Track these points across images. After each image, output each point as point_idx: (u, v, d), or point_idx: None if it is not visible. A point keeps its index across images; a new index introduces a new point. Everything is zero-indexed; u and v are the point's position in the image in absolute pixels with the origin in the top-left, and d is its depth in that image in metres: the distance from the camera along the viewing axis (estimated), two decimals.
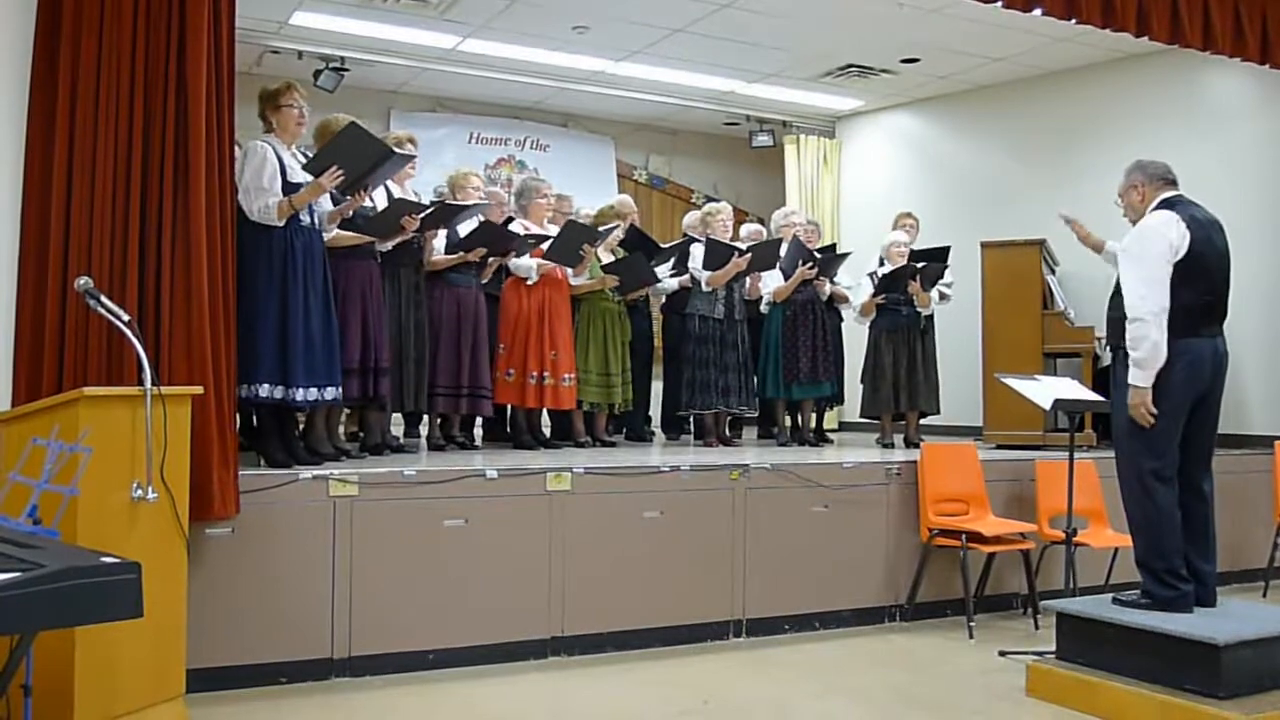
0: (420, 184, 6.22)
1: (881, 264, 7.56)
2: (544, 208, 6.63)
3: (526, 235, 6.23)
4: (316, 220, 4.92)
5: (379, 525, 4.60)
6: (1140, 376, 4.38)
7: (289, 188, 4.73)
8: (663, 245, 7.48)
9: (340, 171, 4.74)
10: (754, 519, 5.47)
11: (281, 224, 4.69)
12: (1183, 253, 4.37)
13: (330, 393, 4.84)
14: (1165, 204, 4.52)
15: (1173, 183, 4.63)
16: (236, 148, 4.91)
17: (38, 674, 2.92)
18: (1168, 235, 4.38)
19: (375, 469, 4.78)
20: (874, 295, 7.42)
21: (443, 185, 6.60)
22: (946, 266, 7.50)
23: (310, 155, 5.07)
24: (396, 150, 5.08)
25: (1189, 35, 6.41)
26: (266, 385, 4.64)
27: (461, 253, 5.97)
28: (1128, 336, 4.41)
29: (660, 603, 5.20)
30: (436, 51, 8.80)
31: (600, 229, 6.75)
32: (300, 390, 4.70)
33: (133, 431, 3.46)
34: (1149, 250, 4.39)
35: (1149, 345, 4.33)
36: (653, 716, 4.26)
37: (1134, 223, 4.61)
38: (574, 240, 6.37)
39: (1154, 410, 4.38)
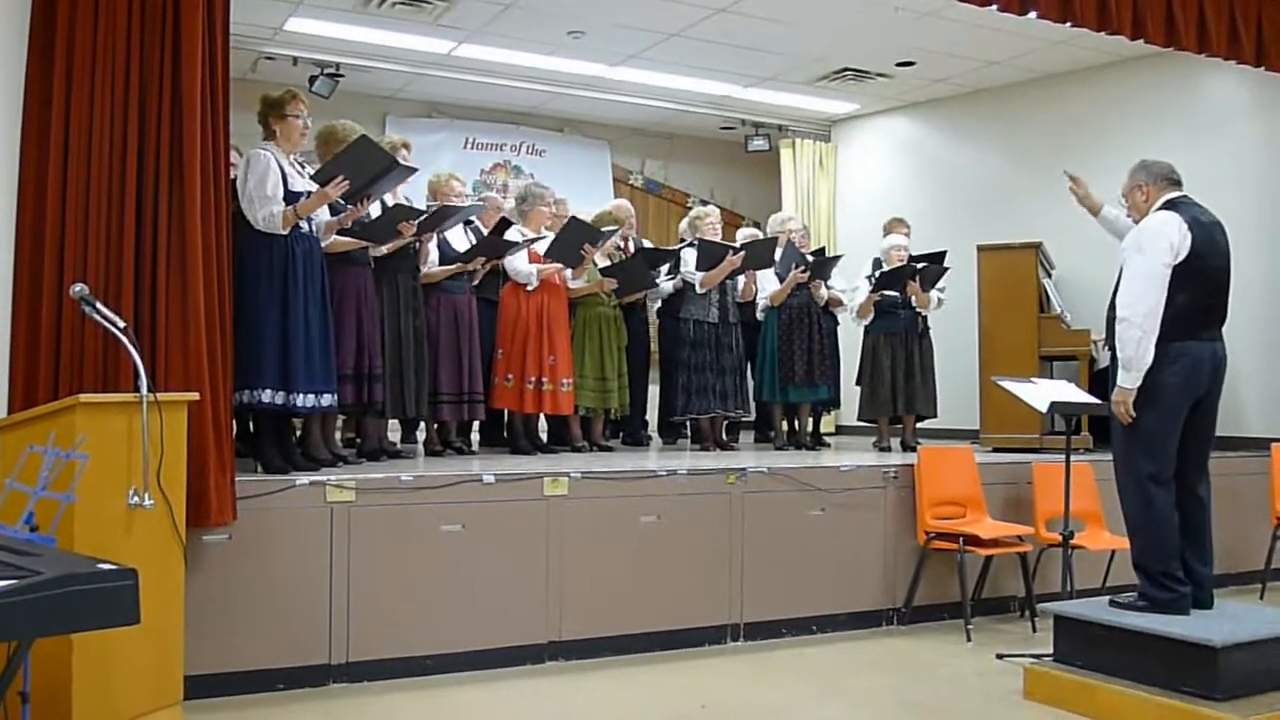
0: (414, 189, 6.23)
1: (879, 267, 7.58)
2: (545, 215, 6.63)
3: (522, 241, 6.24)
4: (315, 228, 4.94)
5: (376, 531, 4.60)
6: (1127, 378, 4.38)
7: (290, 196, 4.75)
8: (666, 249, 7.50)
9: (346, 181, 4.77)
10: (751, 523, 5.47)
11: (286, 232, 4.71)
12: (1183, 254, 4.36)
13: (327, 399, 4.86)
14: (1169, 205, 4.51)
15: (1177, 183, 4.62)
16: (235, 153, 4.94)
17: (35, 681, 2.92)
18: (1169, 237, 4.37)
19: (372, 474, 4.78)
20: (872, 292, 7.44)
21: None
22: (946, 268, 7.50)
23: (306, 162, 5.10)
24: (403, 163, 5.10)
25: (1184, 38, 6.42)
26: (269, 391, 4.65)
27: (461, 264, 5.99)
28: (1115, 336, 4.41)
29: (658, 607, 5.20)
30: (432, 57, 8.80)
31: (602, 230, 6.75)
32: (301, 396, 4.72)
33: (129, 438, 3.46)
34: (1148, 251, 4.39)
35: (1134, 346, 4.33)
36: None
37: (1138, 223, 4.61)
38: (575, 239, 6.38)
39: (1133, 413, 4.39)
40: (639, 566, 5.17)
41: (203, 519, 4.03)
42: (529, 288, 6.32)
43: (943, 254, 7.57)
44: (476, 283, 6.26)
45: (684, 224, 8.10)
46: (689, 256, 7.11)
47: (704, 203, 10.30)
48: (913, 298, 7.38)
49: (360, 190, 4.91)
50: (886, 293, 7.43)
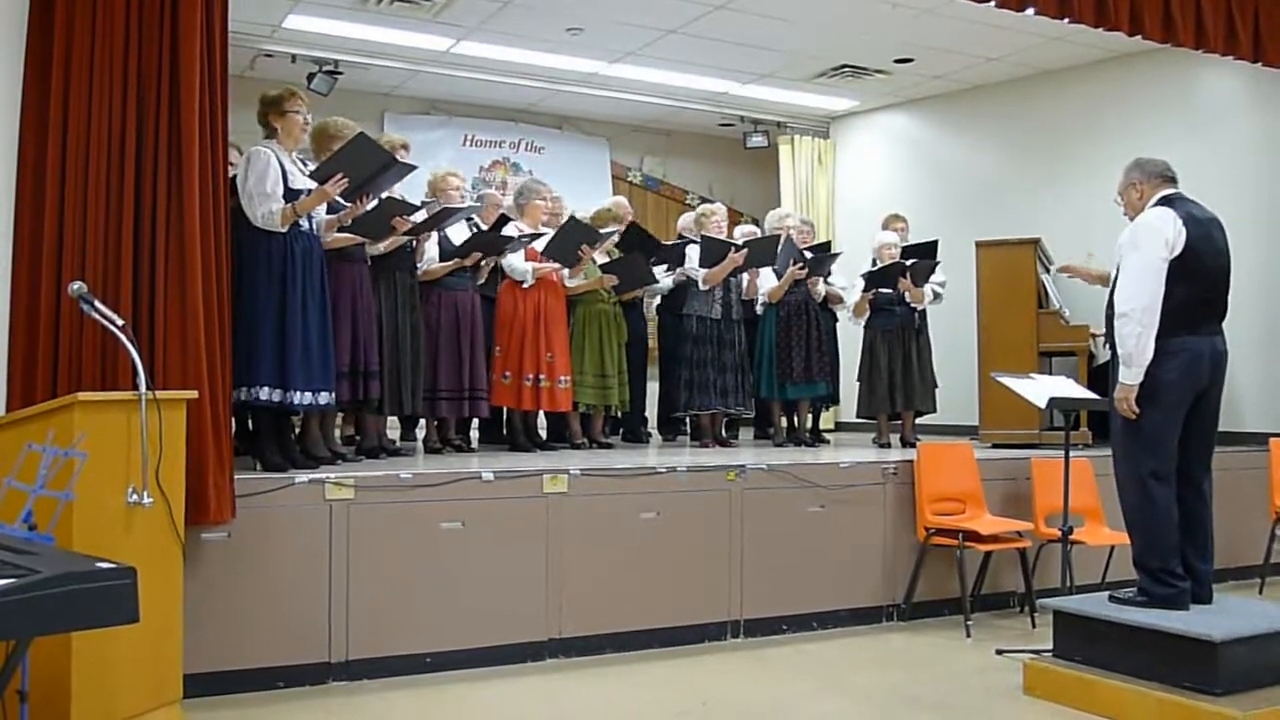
0: (413, 187, 6.22)
1: (874, 265, 7.57)
2: (541, 210, 6.62)
3: (520, 237, 6.24)
4: (314, 226, 4.94)
5: (375, 529, 4.60)
6: (1128, 374, 4.38)
7: (290, 194, 4.76)
8: (663, 243, 7.50)
9: (345, 179, 4.77)
10: (751, 520, 5.47)
11: (284, 230, 4.71)
12: (1178, 250, 4.36)
13: (325, 397, 4.86)
14: (1163, 201, 4.52)
15: (1172, 180, 4.62)
16: (235, 152, 4.94)
17: (34, 680, 2.92)
18: (1163, 232, 4.37)
19: (371, 472, 4.78)
20: (864, 293, 7.44)
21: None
22: (937, 262, 7.50)
23: (306, 160, 5.10)
24: (401, 160, 5.10)
25: (1181, 34, 6.42)
26: (266, 388, 4.66)
27: (458, 259, 5.99)
28: (1115, 332, 4.42)
29: (658, 604, 5.20)
30: (430, 54, 8.79)
31: (601, 231, 6.74)
32: (298, 394, 4.72)
33: (128, 436, 3.46)
34: (1143, 247, 4.39)
35: (1133, 341, 4.33)
36: (651, 718, 4.27)
37: (1133, 220, 4.61)
38: (574, 238, 6.37)
39: (1136, 409, 4.39)
40: (639, 563, 5.17)
41: (201, 517, 4.03)
42: (525, 285, 6.32)
43: (934, 244, 7.56)
44: (482, 281, 6.27)
45: (685, 220, 8.11)
46: (693, 254, 7.10)
47: (704, 200, 10.30)
48: (906, 294, 7.37)
49: (359, 188, 4.92)
50: (880, 290, 7.43)
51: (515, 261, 6.30)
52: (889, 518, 5.88)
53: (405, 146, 5.88)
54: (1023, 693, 4.54)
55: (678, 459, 5.78)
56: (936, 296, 7.59)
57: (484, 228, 6.40)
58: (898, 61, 8.92)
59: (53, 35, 3.97)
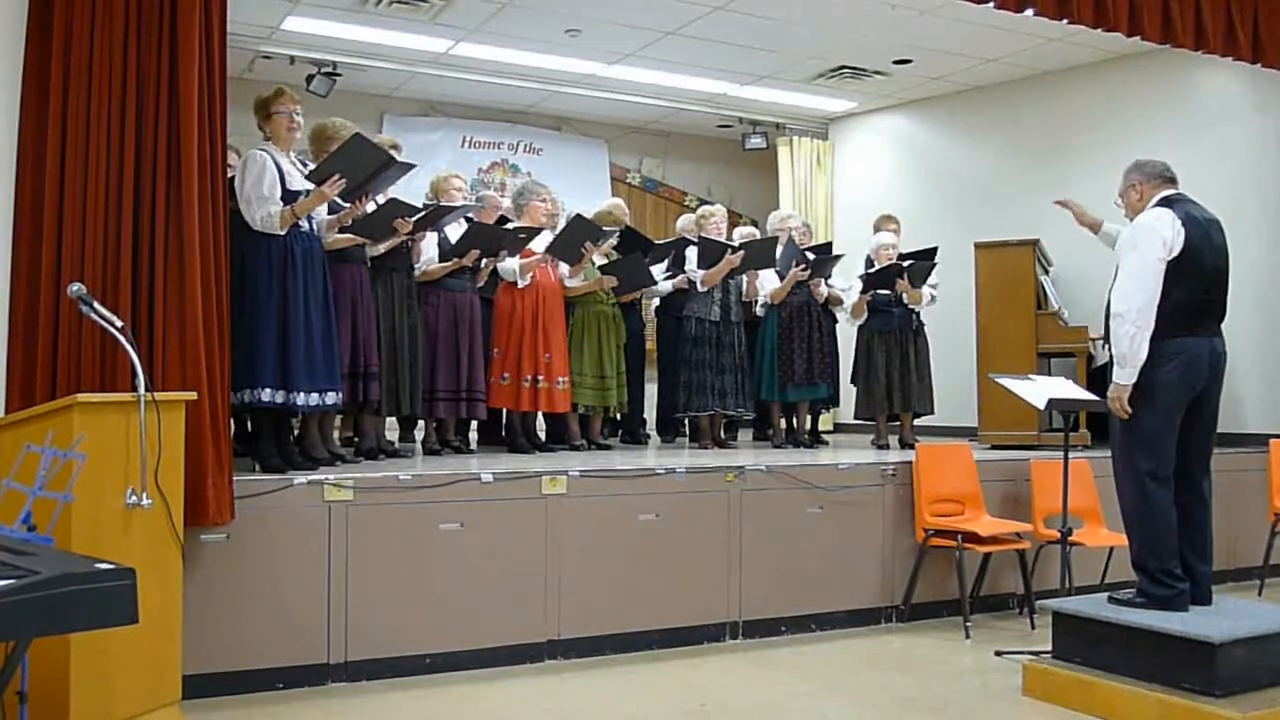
0: (413, 188, 6.22)
1: (870, 265, 7.57)
2: (540, 210, 6.61)
3: (516, 229, 6.22)
4: (315, 226, 4.94)
5: (374, 530, 4.60)
6: (1122, 374, 4.39)
7: (288, 195, 4.76)
8: (657, 242, 7.50)
9: (342, 180, 4.77)
10: (750, 521, 5.47)
11: (283, 232, 4.71)
12: (1177, 250, 4.37)
13: (331, 397, 4.87)
14: (1163, 202, 4.52)
15: (1172, 181, 4.63)
16: (233, 154, 4.93)
17: (33, 681, 2.92)
18: (1162, 233, 4.38)
19: (370, 473, 4.78)
20: (861, 294, 7.44)
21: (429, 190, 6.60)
22: (935, 264, 7.50)
23: (306, 161, 5.10)
24: (398, 159, 5.10)
25: (1181, 35, 6.42)
26: (269, 390, 4.66)
27: (456, 259, 5.98)
28: (1110, 332, 4.42)
29: (657, 605, 5.20)
30: (429, 56, 8.80)
31: (604, 229, 6.74)
32: (302, 395, 4.72)
33: (127, 437, 3.46)
34: (1141, 247, 4.40)
35: (1127, 342, 4.34)
36: (650, 719, 4.26)
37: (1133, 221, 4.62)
38: (578, 236, 6.38)
39: (1129, 409, 4.39)
40: (638, 565, 5.17)
41: (200, 518, 4.03)
42: (519, 285, 6.31)
43: (933, 250, 7.57)
44: (481, 284, 6.26)
45: (684, 221, 8.11)
46: (693, 255, 7.10)
47: (703, 201, 10.30)
48: (904, 295, 7.37)
49: (358, 188, 4.92)
50: (878, 291, 7.43)
51: (508, 263, 6.29)
52: (888, 519, 5.88)
53: (396, 147, 5.87)
54: (1022, 694, 4.54)
55: (676, 460, 5.78)
56: (931, 299, 7.59)
57: None
58: (896, 63, 8.92)
59: (52, 37, 3.97)
